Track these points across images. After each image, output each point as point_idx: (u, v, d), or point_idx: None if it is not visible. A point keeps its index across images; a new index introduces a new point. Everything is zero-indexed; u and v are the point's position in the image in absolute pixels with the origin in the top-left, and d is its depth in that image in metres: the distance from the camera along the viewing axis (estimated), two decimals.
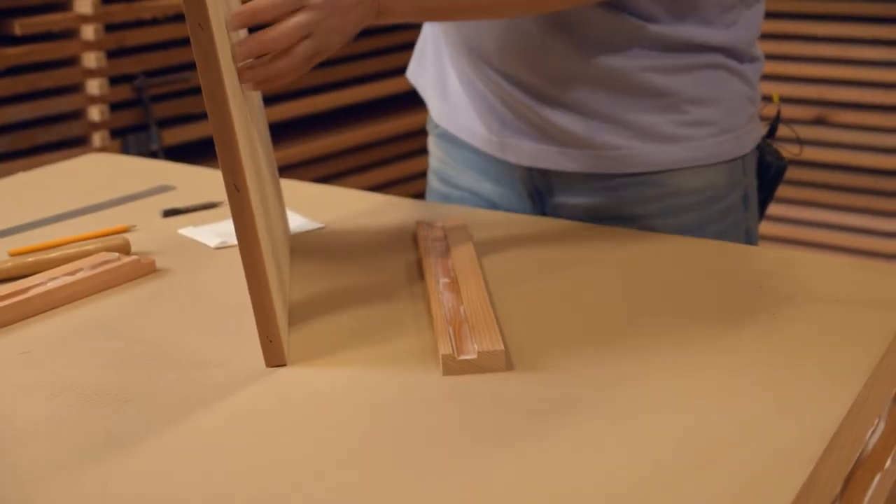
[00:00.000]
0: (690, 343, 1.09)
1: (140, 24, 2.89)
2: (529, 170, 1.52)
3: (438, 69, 1.61)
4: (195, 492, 0.87)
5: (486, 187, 1.58)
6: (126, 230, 1.47)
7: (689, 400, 0.98)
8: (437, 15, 1.33)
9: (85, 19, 2.77)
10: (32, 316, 1.21)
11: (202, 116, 3.06)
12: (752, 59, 1.49)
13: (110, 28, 2.83)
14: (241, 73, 1.13)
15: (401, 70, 3.42)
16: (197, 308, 1.23)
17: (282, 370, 1.06)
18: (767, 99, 1.55)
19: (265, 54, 1.16)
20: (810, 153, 3.26)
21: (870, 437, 0.86)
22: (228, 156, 0.99)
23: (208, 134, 3.01)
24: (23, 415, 0.99)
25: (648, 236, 1.39)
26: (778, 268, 1.28)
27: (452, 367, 1.04)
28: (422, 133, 3.46)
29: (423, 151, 3.39)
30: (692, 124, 1.42)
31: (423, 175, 3.44)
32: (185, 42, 2.98)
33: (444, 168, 1.65)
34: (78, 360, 1.10)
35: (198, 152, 2.99)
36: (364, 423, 0.96)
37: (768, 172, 1.54)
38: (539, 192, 1.53)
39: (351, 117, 3.42)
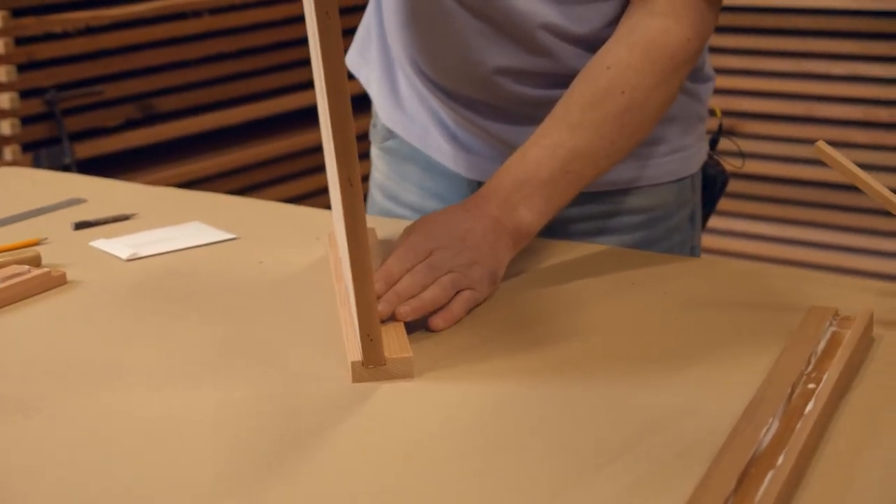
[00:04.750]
0: (589, 348, 1.12)
1: (50, 37, 2.87)
2: (480, 184, 1.50)
3: (386, 67, 1.57)
4: (109, 498, 0.87)
5: (431, 205, 1.57)
6: (37, 243, 1.47)
7: (587, 403, 1.00)
8: (567, 202, 1.30)
9: None
10: None
11: (115, 130, 3.05)
12: (706, 79, 1.49)
13: (20, 41, 2.81)
14: (397, 313, 1.14)
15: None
16: (107, 319, 1.23)
17: (186, 384, 1.07)
18: (710, 112, 1.57)
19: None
20: (759, 167, 3.36)
21: (764, 436, 0.89)
22: (344, 150, 1.00)
23: (121, 147, 3.03)
24: None
25: (572, 247, 1.40)
26: (684, 274, 1.31)
27: (361, 374, 1.06)
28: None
29: None
30: (645, 143, 1.40)
31: None
32: (96, 55, 2.97)
33: (387, 183, 1.63)
34: None
35: (111, 166, 2.98)
36: (273, 432, 0.97)
37: (714, 186, 1.55)
38: None
39: (264, 130, 3.42)
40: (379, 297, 1.13)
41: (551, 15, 1.36)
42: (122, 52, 3.02)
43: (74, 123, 2.95)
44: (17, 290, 1.28)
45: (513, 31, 1.37)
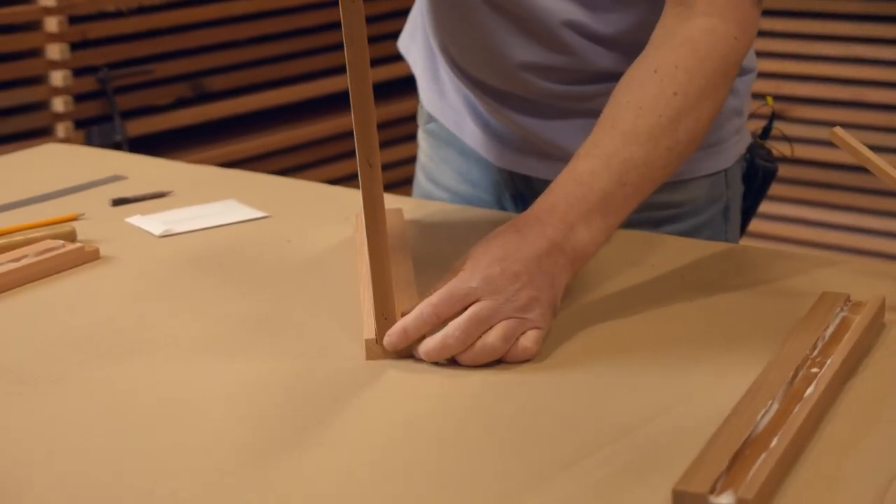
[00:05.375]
0: (597, 332, 1.13)
1: (104, 16, 2.91)
2: (511, 174, 1.53)
3: (429, 52, 1.58)
4: (124, 470, 0.91)
5: (465, 189, 1.59)
6: (74, 218, 1.50)
7: (591, 387, 1.02)
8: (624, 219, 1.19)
9: (48, 11, 2.79)
10: None
11: (166, 108, 3.09)
12: (744, 72, 1.46)
13: (74, 20, 2.85)
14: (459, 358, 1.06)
15: (392, 58, 3.43)
16: (135, 294, 1.26)
17: (208, 358, 1.10)
18: (760, 98, 1.55)
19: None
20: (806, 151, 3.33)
21: (762, 418, 0.90)
22: (365, 132, 1.03)
23: (171, 125, 3.06)
24: None
25: None
26: (702, 260, 1.31)
27: (375, 351, 1.08)
28: (385, 126, 3.52)
29: (386, 144, 3.44)
30: None
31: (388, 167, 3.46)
32: (148, 34, 3.01)
33: (429, 164, 1.65)
34: (13, 343, 1.14)
35: (161, 143, 3.02)
36: (285, 407, 1.00)
37: (755, 178, 1.52)
38: (522, 195, 1.53)
39: (313, 110, 3.45)
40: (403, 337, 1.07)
41: (575, 12, 1.36)
42: (173, 32, 3.06)
43: (126, 101, 2.99)
44: (49, 264, 1.32)
45: (535, 27, 1.38)
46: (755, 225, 3.48)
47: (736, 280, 1.24)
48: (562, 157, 1.42)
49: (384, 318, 1.08)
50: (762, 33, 3.37)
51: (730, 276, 1.25)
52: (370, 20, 3.38)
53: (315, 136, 3.40)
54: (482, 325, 1.05)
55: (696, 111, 1.18)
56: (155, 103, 3.06)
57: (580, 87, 1.40)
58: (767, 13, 3.39)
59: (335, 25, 3.37)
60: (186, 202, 1.56)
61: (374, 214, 1.05)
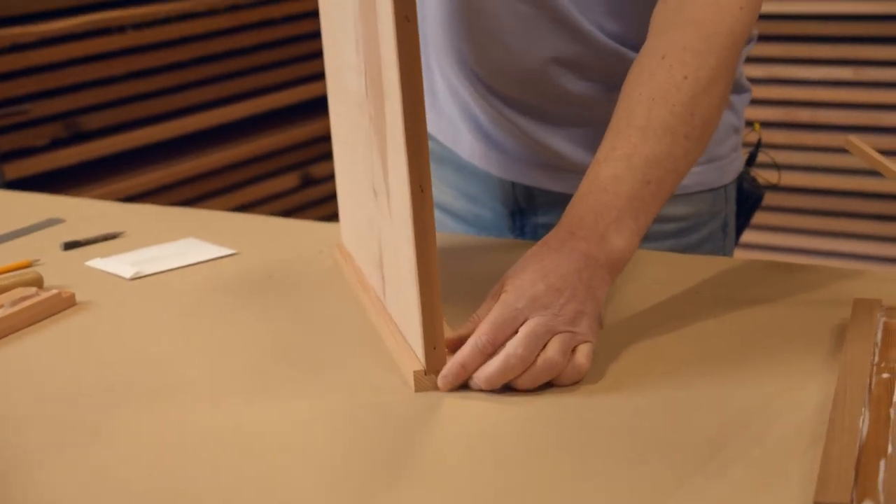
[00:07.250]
0: (639, 350, 1.11)
1: None
2: (513, 185, 1.49)
3: (424, 69, 1.52)
4: None
5: (461, 205, 1.55)
6: (30, 265, 1.42)
7: (662, 402, 1.00)
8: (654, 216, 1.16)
9: None
10: None
11: (45, 149, 2.97)
12: (741, 90, 1.48)
13: None
14: (514, 383, 1.03)
15: (265, 90, 3.39)
16: (131, 337, 1.20)
17: (219, 400, 1.05)
18: (749, 125, 1.55)
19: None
20: (789, 178, 3.35)
21: (861, 426, 0.89)
22: (417, 157, 0.99)
23: (54, 166, 2.95)
24: None
25: None
26: (711, 275, 1.30)
27: (424, 383, 1.04)
28: (286, 151, 3.47)
29: (288, 169, 3.38)
30: None
31: (288, 193, 3.41)
32: (23, 73, 2.90)
33: None
34: (32, 395, 1.07)
35: (43, 185, 2.90)
36: (348, 446, 0.96)
37: (747, 201, 1.53)
38: (521, 209, 1.50)
39: (193, 145, 3.37)
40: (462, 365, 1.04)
41: None
42: (47, 70, 2.94)
43: (2, 143, 2.87)
44: (29, 312, 1.25)
45: (549, 12, 1.34)
46: (740, 252, 3.53)
47: (749, 294, 1.22)
48: (567, 168, 1.41)
49: (433, 347, 1.04)
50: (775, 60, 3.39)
51: (742, 290, 1.24)
52: (295, 40, 3.39)
53: (195, 171, 3.32)
54: (540, 341, 1.02)
55: (708, 93, 1.16)
56: (32, 144, 2.94)
57: (597, 86, 1.38)
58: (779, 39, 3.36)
59: (207, 59, 3.31)
60: (141, 242, 1.50)
61: (424, 240, 1.01)
